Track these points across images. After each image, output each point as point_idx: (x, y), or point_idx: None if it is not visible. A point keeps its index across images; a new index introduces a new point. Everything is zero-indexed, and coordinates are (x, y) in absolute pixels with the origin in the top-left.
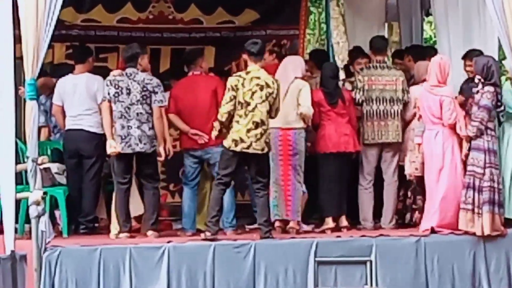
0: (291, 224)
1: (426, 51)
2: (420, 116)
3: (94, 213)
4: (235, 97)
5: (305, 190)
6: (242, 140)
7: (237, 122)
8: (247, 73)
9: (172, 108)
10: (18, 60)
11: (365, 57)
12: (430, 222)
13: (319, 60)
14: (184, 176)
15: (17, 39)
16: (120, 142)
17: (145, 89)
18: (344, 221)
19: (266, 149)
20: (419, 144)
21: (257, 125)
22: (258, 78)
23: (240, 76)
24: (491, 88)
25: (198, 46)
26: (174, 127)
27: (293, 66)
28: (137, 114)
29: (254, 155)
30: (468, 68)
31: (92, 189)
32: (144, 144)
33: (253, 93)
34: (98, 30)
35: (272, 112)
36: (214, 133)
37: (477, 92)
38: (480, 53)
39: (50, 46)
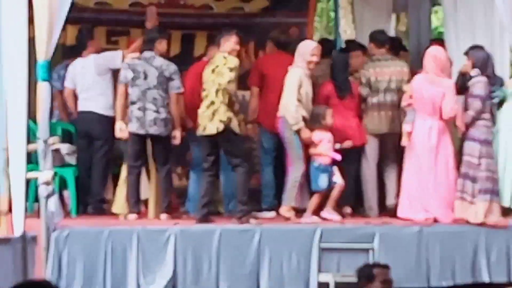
0: (280, 210)
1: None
2: (410, 104)
3: (103, 194)
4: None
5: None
6: (199, 124)
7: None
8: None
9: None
10: (31, 41)
11: (361, 50)
12: (423, 212)
13: (325, 49)
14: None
15: (31, 19)
16: (135, 123)
17: (162, 74)
18: (347, 209)
19: (221, 128)
20: (409, 132)
21: (208, 106)
22: (213, 64)
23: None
24: (483, 79)
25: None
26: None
27: (296, 53)
28: (153, 98)
29: (217, 136)
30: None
31: (101, 170)
32: (158, 127)
33: (208, 79)
34: (110, 13)
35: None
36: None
37: (472, 84)
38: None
39: (63, 28)
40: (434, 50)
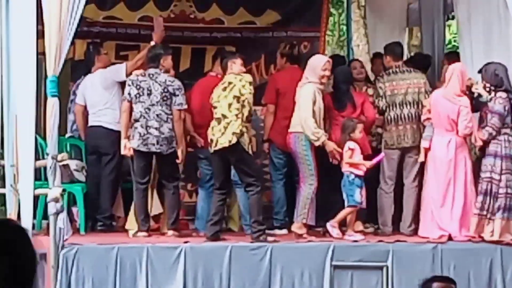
0: (292, 227)
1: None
2: (428, 119)
3: (111, 210)
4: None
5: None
6: (211, 140)
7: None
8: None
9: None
10: (40, 56)
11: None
12: (443, 230)
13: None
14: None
15: (40, 34)
16: (138, 139)
17: (166, 90)
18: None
19: (234, 140)
20: (427, 149)
21: (219, 121)
22: (223, 83)
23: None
24: (503, 94)
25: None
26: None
27: (307, 67)
28: (157, 115)
29: (227, 152)
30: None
31: (109, 186)
32: (161, 145)
33: (218, 96)
34: (119, 27)
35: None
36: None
37: (490, 99)
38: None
39: (72, 43)
40: (461, 67)
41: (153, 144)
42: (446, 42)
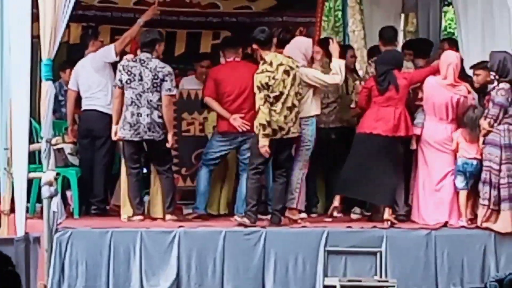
0: (287, 212)
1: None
2: (419, 106)
3: (104, 194)
4: (268, 95)
5: None
6: (281, 128)
7: (274, 111)
8: (270, 64)
9: (210, 91)
10: (35, 39)
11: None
12: (438, 217)
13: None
14: (205, 156)
15: (35, 18)
16: (129, 130)
17: (156, 76)
18: (386, 214)
19: (300, 132)
20: (418, 135)
21: (290, 110)
22: (282, 64)
23: (267, 70)
24: (506, 85)
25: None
26: (188, 111)
27: (297, 51)
28: (148, 101)
29: (288, 141)
30: (474, 78)
31: (102, 170)
32: (153, 132)
33: (283, 81)
34: (114, 11)
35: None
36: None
37: (493, 88)
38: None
39: (66, 26)
40: (454, 58)
41: (145, 132)
42: (442, 28)
